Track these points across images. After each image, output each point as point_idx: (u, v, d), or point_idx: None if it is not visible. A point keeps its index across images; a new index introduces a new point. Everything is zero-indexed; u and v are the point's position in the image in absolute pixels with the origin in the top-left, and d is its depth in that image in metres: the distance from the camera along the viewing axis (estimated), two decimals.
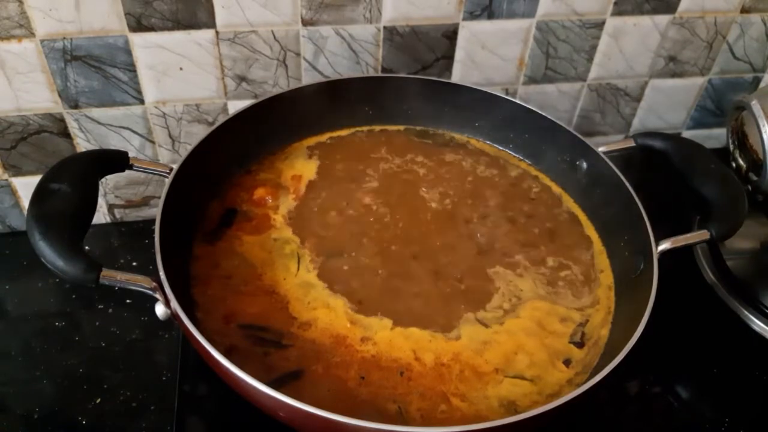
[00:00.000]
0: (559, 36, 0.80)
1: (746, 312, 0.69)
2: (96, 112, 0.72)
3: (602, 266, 0.65)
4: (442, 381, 0.54)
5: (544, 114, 0.72)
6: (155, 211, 0.56)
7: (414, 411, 0.52)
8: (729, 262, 0.73)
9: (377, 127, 0.78)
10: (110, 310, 0.71)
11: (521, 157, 0.77)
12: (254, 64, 0.73)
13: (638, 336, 0.50)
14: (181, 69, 0.71)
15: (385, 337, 0.57)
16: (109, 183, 0.79)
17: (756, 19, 0.84)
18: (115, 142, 0.75)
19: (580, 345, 0.58)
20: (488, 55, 0.80)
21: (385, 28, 0.74)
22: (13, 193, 0.77)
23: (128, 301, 0.71)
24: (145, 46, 0.69)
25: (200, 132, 0.76)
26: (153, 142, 0.77)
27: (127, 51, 0.69)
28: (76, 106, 0.71)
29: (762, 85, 0.92)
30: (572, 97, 0.87)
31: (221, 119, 0.67)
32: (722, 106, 0.93)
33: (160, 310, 0.51)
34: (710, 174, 0.64)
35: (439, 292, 0.61)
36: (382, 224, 0.67)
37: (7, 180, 0.75)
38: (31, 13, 0.64)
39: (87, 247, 0.53)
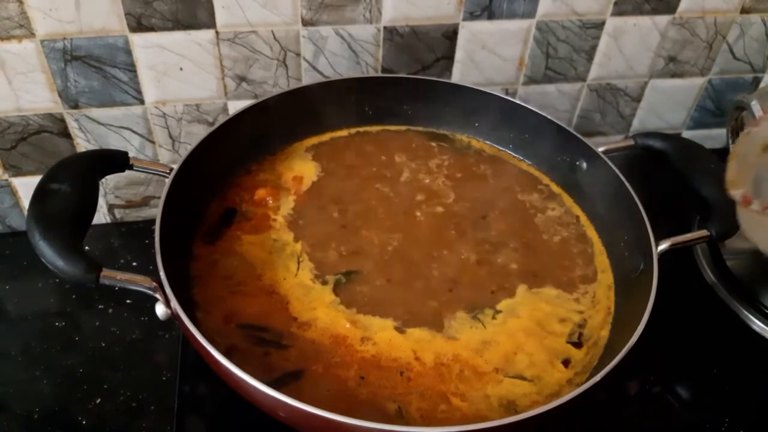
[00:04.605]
0: (559, 36, 0.80)
1: (746, 312, 0.69)
2: (96, 112, 0.73)
3: (602, 266, 0.65)
4: (442, 381, 0.54)
5: (544, 114, 0.72)
6: (155, 211, 0.56)
7: (414, 411, 0.52)
8: (729, 262, 0.73)
9: (377, 128, 0.78)
10: (110, 310, 0.71)
11: (521, 157, 0.77)
12: (254, 64, 0.73)
13: (638, 336, 0.50)
14: (181, 69, 0.71)
15: (385, 337, 0.57)
16: (109, 183, 0.79)
17: (756, 19, 0.84)
18: (115, 142, 0.75)
19: (578, 345, 0.58)
20: (488, 55, 0.80)
21: (385, 28, 0.74)
22: (13, 193, 0.77)
23: (128, 301, 0.71)
24: (145, 46, 0.69)
25: (200, 132, 0.76)
26: (153, 142, 0.77)
27: (127, 51, 0.69)
28: (76, 106, 0.71)
29: (762, 85, 0.92)
30: (572, 97, 0.87)
31: (221, 119, 0.67)
32: (722, 106, 0.93)
33: (160, 310, 0.51)
34: (710, 174, 0.64)
35: (440, 293, 0.61)
36: (382, 224, 0.67)
37: (7, 180, 0.75)
38: (31, 13, 0.64)
39: (87, 247, 0.53)
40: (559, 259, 0.65)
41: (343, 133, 0.77)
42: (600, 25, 0.80)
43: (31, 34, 0.65)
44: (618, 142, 0.70)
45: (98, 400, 0.63)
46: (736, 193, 0.44)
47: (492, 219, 0.68)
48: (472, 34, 0.77)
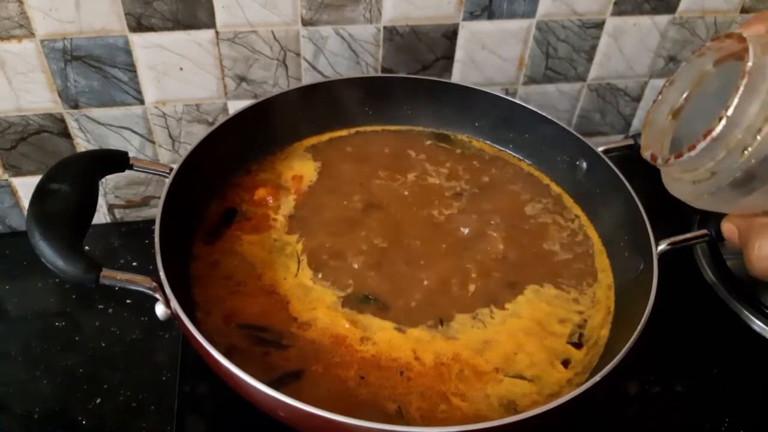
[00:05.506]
0: (559, 36, 0.80)
1: (746, 312, 0.69)
2: (96, 112, 0.73)
3: (602, 266, 0.65)
4: (442, 381, 0.54)
5: (543, 114, 0.72)
6: (155, 211, 0.55)
7: (414, 411, 0.52)
8: (729, 262, 0.73)
9: (377, 128, 0.78)
10: (110, 310, 0.71)
11: (521, 157, 0.77)
12: (254, 64, 0.73)
13: (638, 336, 0.50)
14: (181, 69, 0.71)
15: (385, 337, 0.57)
16: (109, 183, 0.79)
17: None
18: (115, 142, 0.75)
19: (578, 345, 0.58)
20: (488, 55, 0.80)
21: (385, 28, 0.74)
22: (13, 193, 0.77)
23: (128, 301, 0.71)
24: (145, 46, 0.69)
25: (200, 132, 0.76)
26: (153, 142, 0.77)
27: (127, 51, 0.69)
28: (76, 106, 0.71)
29: None
30: (572, 97, 0.87)
31: (221, 119, 0.67)
32: None
33: (160, 310, 0.51)
34: None
35: (440, 293, 0.61)
36: (382, 224, 0.67)
37: (7, 180, 0.75)
38: (31, 13, 0.64)
39: (87, 247, 0.53)
40: (559, 259, 0.65)
41: (343, 132, 0.77)
42: (600, 25, 0.80)
43: (31, 34, 0.65)
44: (618, 142, 0.70)
45: (98, 400, 0.63)
46: (646, 154, 0.48)
47: (492, 218, 0.68)
48: (472, 34, 0.77)
